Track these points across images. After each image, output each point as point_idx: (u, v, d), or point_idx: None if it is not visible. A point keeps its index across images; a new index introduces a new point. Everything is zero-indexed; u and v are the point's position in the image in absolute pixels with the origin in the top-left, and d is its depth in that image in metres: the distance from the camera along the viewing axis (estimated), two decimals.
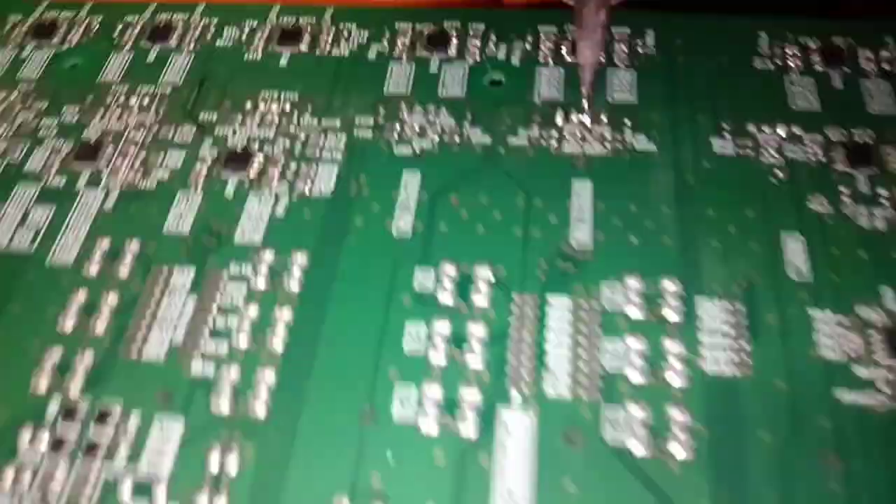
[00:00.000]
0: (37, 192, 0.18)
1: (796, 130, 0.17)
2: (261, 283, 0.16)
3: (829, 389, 0.14)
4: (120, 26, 0.21)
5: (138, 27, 0.21)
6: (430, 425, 0.14)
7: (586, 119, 0.18)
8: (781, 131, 0.17)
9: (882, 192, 0.16)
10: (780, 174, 0.17)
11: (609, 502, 0.13)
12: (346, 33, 0.20)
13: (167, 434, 0.14)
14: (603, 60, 0.19)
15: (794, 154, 0.17)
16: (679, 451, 0.13)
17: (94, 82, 0.20)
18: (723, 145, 0.17)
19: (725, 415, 0.13)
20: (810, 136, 0.17)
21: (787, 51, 0.19)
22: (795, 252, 0.15)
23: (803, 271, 0.15)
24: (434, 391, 0.14)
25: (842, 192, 0.16)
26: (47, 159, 0.18)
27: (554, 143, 0.18)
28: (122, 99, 0.20)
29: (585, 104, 0.18)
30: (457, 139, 0.18)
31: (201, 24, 0.21)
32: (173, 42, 0.21)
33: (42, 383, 0.15)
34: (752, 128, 0.17)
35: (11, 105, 0.20)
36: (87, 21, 0.22)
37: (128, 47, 0.21)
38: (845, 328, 0.14)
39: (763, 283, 0.15)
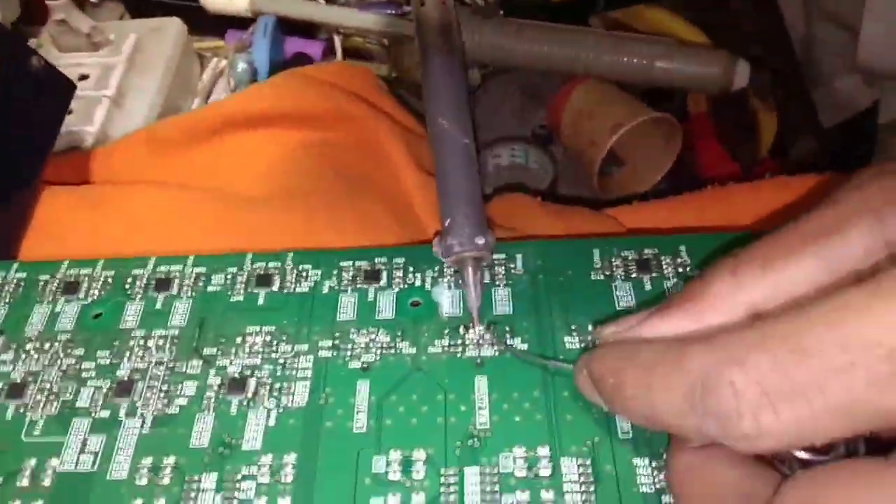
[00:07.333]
0: (89, 425, 0.24)
1: None
2: (264, 479, 0.23)
3: None
4: (129, 279, 0.29)
5: (144, 279, 0.28)
6: None
7: (476, 336, 0.25)
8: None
9: None
10: None
11: None
12: (304, 274, 0.28)
13: None
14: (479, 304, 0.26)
15: None
16: None
17: (116, 329, 0.27)
18: (571, 341, 0.25)
19: None
20: None
21: (613, 262, 0.27)
22: (623, 419, 0.23)
23: (628, 431, 0.23)
24: None
25: None
26: (92, 397, 0.25)
27: (459, 349, 0.25)
28: (141, 342, 0.26)
29: (475, 330, 0.25)
30: (392, 352, 0.25)
31: (193, 273, 0.28)
32: (174, 290, 0.28)
33: None
34: (590, 326, 0.25)
35: (56, 354, 0.26)
36: (102, 276, 0.29)
37: (139, 297, 0.28)
38: (656, 469, 0.22)
39: (602, 441, 0.23)
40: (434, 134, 0.29)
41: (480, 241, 0.26)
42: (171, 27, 0.46)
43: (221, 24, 0.49)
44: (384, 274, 0.28)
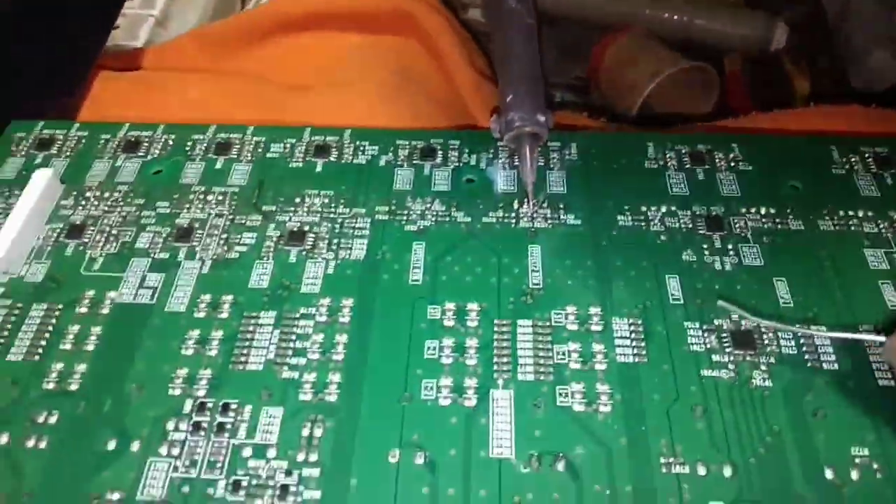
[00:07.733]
0: (148, 264, 0.25)
1: (672, 208, 0.26)
2: (322, 318, 0.23)
3: (698, 370, 0.22)
4: (189, 143, 0.29)
5: (205, 143, 0.29)
6: (445, 402, 0.21)
7: (529, 210, 0.26)
8: (663, 209, 0.26)
9: (728, 247, 0.25)
10: (663, 237, 0.25)
11: (562, 442, 0.20)
12: (362, 148, 0.28)
13: (272, 417, 0.21)
14: (534, 179, 0.26)
15: (671, 224, 0.25)
16: (604, 408, 0.21)
17: (177, 184, 0.28)
18: (624, 220, 0.26)
19: (631, 385, 0.21)
20: (682, 212, 0.26)
21: (666, 154, 0.28)
22: (674, 287, 0.24)
23: (679, 298, 0.23)
24: (447, 381, 0.22)
25: (703, 248, 0.25)
26: (152, 240, 0.26)
27: (513, 221, 0.26)
28: (201, 196, 0.27)
29: (529, 205, 0.26)
30: (447, 219, 0.26)
31: (253, 140, 0.29)
32: (234, 154, 0.28)
33: (177, 391, 0.22)
34: (643, 207, 0.26)
35: (117, 201, 0.27)
36: (163, 139, 0.29)
37: (199, 158, 0.28)
38: (707, 332, 0.23)
39: (653, 305, 0.23)
40: (499, 13, 0.29)
41: (541, 117, 0.26)
42: None
43: None
44: (439, 153, 0.28)
